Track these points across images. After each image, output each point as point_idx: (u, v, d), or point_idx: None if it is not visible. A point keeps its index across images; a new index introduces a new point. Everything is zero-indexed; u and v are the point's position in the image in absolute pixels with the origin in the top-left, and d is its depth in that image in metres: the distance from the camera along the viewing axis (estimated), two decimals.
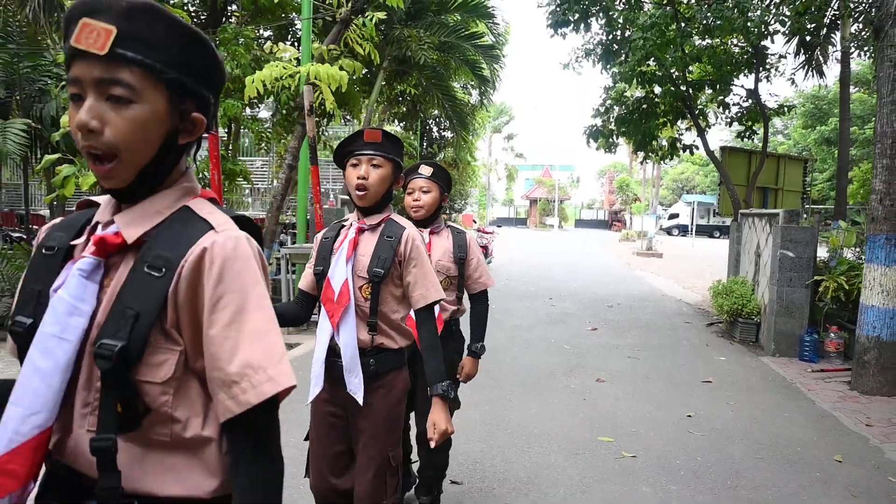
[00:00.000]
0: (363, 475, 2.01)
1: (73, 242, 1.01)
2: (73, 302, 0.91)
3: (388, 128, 18.84)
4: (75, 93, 0.91)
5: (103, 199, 1.04)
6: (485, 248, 14.71)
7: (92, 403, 0.93)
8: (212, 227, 0.97)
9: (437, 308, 2.12)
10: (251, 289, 0.95)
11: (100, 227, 0.99)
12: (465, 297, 2.93)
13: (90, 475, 0.92)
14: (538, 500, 3.25)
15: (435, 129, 19.85)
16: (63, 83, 5.72)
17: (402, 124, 17.47)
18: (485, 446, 3.94)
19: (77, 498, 0.94)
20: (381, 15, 6.01)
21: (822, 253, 7.14)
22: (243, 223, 1.04)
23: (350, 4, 6.11)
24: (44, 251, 1.01)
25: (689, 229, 33.51)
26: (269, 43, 6.67)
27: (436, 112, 16.17)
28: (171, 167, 1.00)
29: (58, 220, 1.08)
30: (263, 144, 12.03)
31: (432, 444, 1.99)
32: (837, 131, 21.02)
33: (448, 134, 19.27)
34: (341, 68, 5.77)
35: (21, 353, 0.95)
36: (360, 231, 2.06)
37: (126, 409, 0.90)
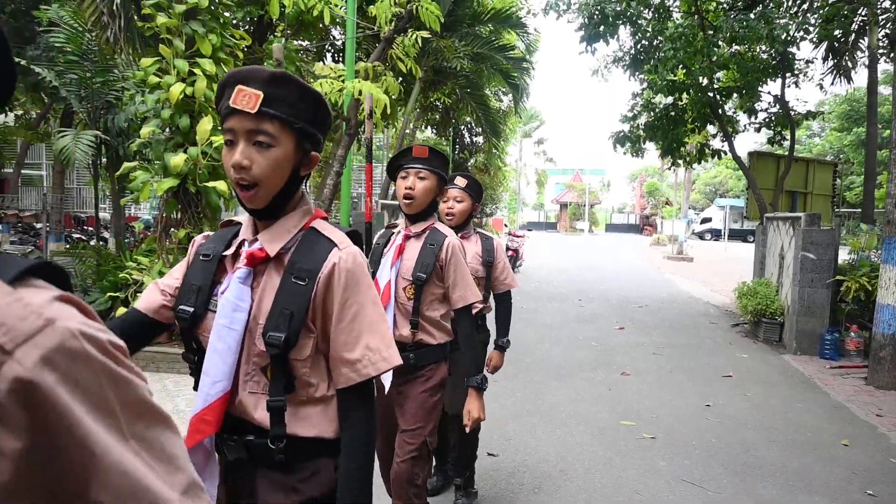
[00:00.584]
0: (402, 456, 2.31)
1: (224, 253, 1.35)
2: (235, 301, 1.27)
3: (419, 134, 19.39)
4: (229, 139, 1.24)
5: (244, 220, 1.37)
6: (515, 252, 15.07)
7: (250, 373, 1.28)
8: (335, 245, 1.29)
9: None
10: (367, 291, 1.29)
11: (246, 243, 1.32)
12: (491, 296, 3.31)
13: (252, 422, 1.28)
14: (566, 470, 3.67)
15: (467, 135, 20.31)
16: (130, 93, 6.27)
17: (434, 131, 18.00)
18: (518, 426, 4.36)
19: (242, 435, 1.30)
20: (425, 34, 6.50)
21: (849, 255, 7.37)
22: (353, 237, 1.38)
23: (394, 24, 6.62)
24: (201, 257, 1.35)
25: (722, 233, 33.27)
26: (318, 64, 7.19)
27: (468, 119, 16.64)
28: (294, 193, 1.31)
29: (208, 233, 1.45)
30: None
31: (467, 430, 2.39)
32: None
33: (479, 140, 19.73)
34: (386, 91, 6.29)
35: (184, 335, 1.33)
36: (407, 238, 2.40)
37: (286, 378, 1.31)
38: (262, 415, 1.28)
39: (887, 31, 10.20)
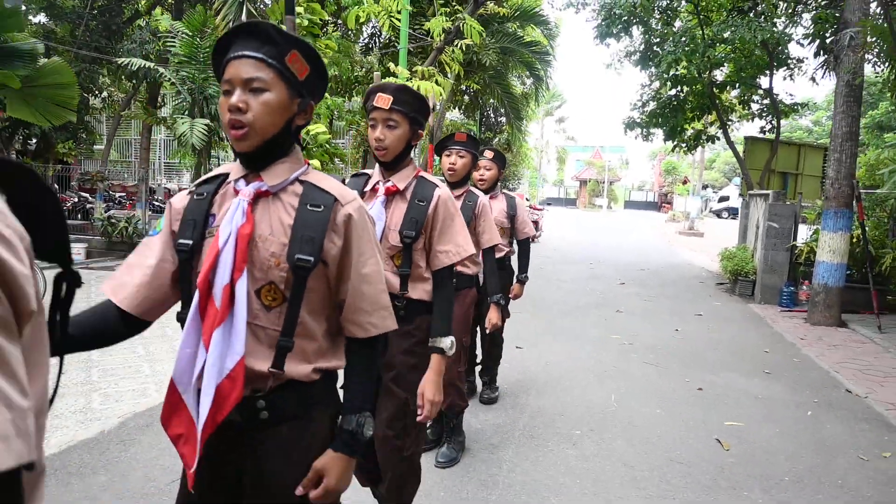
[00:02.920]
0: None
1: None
2: (375, 217, 2.23)
3: (448, 114, 21.04)
4: (373, 122, 2.06)
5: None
6: (535, 223, 16.90)
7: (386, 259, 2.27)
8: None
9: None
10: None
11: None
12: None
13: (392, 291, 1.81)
14: (571, 359, 5.52)
15: (492, 115, 21.96)
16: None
17: (463, 113, 19.67)
18: (538, 340, 6.22)
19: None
20: (469, 41, 8.24)
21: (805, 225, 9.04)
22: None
23: (444, 36, 8.36)
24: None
25: (738, 212, 34.52)
26: (377, 73, 8.88)
27: (493, 101, 18.30)
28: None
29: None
30: (353, 130, 14.48)
31: (487, 331, 3.65)
32: (889, 116, 22.16)
33: (503, 119, 21.38)
34: (436, 82, 8.07)
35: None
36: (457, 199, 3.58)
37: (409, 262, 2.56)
38: (394, 280, 2.03)
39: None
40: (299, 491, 1.32)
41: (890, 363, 5.82)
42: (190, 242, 1.34)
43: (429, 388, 2.02)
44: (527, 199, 25.84)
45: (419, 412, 2.02)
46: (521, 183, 29.79)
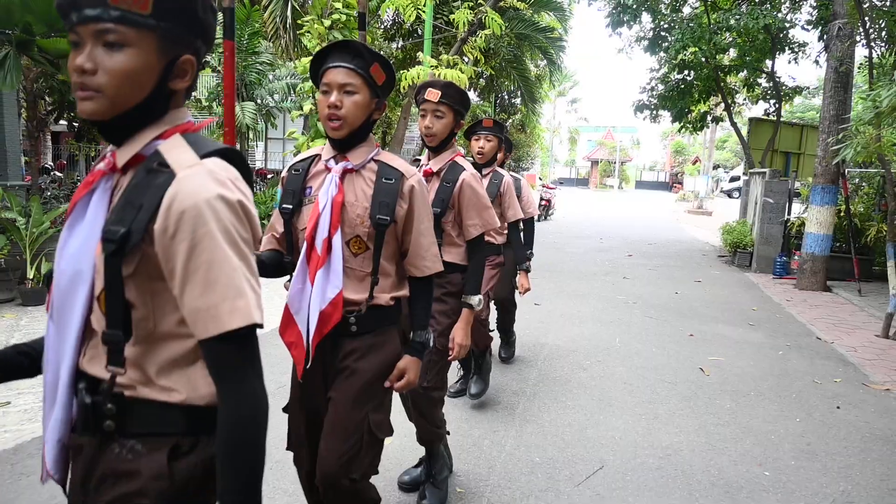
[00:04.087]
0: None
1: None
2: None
3: None
4: (423, 112, 2.39)
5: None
6: (548, 202, 17.68)
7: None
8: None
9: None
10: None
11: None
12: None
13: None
14: (581, 313, 6.41)
15: (507, 97, 22.68)
16: (264, 74, 8.93)
17: (479, 95, 20.40)
18: (554, 298, 7.11)
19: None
20: (488, 32, 9.03)
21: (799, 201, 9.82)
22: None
23: (467, 27, 9.15)
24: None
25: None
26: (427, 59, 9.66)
27: (508, 84, 19.04)
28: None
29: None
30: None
31: (520, 294, 4.78)
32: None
33: (517, 101, 22.11)
34: (461, 71, 8.89)
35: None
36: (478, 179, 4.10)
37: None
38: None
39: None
40: (387, 384, 1.81)
41: (861, 319, 6.67)
42: (290, 207, 1.78)
43: (459, 333, 2.42)
44: (539, 179, 26.59)
45: (450, 353, 2.44)
46: (534, 163, 30.50)
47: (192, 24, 1.02)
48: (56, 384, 1.06)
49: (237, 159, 1.07)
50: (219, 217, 0.97)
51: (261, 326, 1.00)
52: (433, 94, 2.37)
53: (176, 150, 1.01)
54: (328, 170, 1.76)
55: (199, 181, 0.97)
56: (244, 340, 0.99)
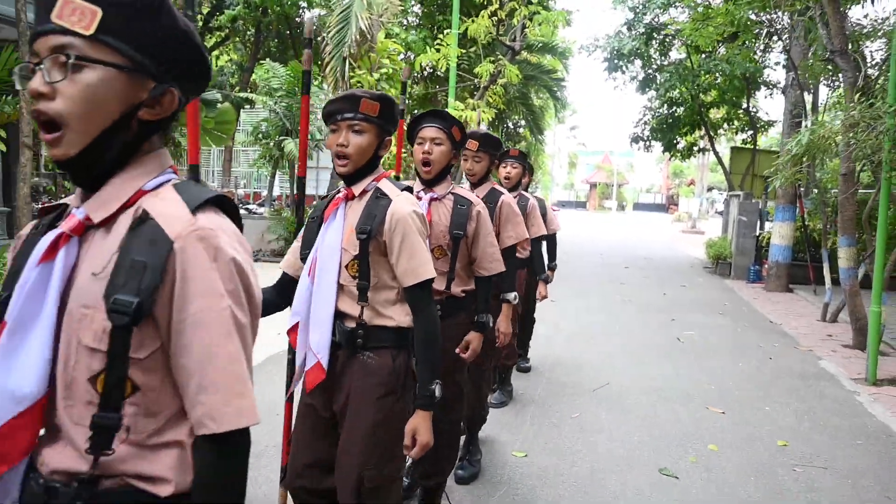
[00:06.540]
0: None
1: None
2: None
3: (474, 127, 23.85)
4: (464, 157, 3.02)
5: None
6: None
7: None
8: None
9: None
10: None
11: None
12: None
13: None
14: (588, 307, 8.12)
15: (511, 126, 24.70)
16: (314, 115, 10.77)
17: (489, 127, 22.40)
18: (564, 297, 8.82)
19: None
20: (508, 77, 10.87)
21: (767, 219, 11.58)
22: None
23: (490, 77, 11.00)
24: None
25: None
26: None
27: (515, 117, 21.03)
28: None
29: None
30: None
31: (539, 300, 6.59)
32: None
33: (520, 130, 24.13)
34: (483, 112, 10.73)
35: None
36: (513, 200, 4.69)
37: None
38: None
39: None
40: (457, 350, 2.40)
41: (810, 311, 8.39)
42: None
43: (503, 323, 2.92)
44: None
45: (497, 342, 2.92)
46: (538, 188, 32.44)
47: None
48: (320, 318, 1.77)
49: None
50: None
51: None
52: (472, 144, 2.90)
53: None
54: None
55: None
56: (429, 288, 1.77)
